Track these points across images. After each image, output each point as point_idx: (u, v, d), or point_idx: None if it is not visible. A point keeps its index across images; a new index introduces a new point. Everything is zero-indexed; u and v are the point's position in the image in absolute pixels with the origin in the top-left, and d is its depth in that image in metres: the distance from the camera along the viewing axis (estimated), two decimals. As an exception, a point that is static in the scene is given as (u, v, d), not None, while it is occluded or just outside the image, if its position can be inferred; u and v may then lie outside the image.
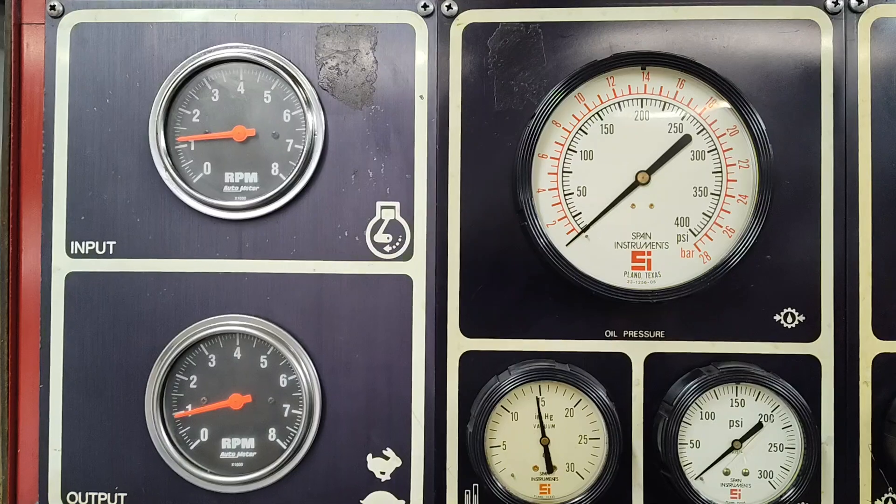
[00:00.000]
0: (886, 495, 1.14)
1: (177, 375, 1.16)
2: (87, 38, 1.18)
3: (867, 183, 1.14)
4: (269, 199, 1.15)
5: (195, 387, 1.16)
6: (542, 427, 1.12)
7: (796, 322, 1.14)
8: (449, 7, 1.16)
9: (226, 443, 1.16)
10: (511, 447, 1.12)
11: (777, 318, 1.14)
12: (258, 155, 1.16)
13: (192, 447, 1.16)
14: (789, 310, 1.14)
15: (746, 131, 1.11)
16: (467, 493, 1.16)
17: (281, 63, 1.15)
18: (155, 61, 1.18)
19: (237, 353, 1.16)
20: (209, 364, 1.16)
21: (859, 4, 1.14)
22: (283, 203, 1.16)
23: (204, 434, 1.16)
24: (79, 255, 1.18)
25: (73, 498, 1.17)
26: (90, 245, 1.18)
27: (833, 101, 1.14)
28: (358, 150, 1.17)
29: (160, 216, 1.17)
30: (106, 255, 1.18)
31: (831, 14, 1.14)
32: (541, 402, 1.12)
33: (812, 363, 1.14)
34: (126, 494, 1.17)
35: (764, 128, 1.09)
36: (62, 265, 1.17)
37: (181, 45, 1.17)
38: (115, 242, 1.18)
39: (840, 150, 1.14)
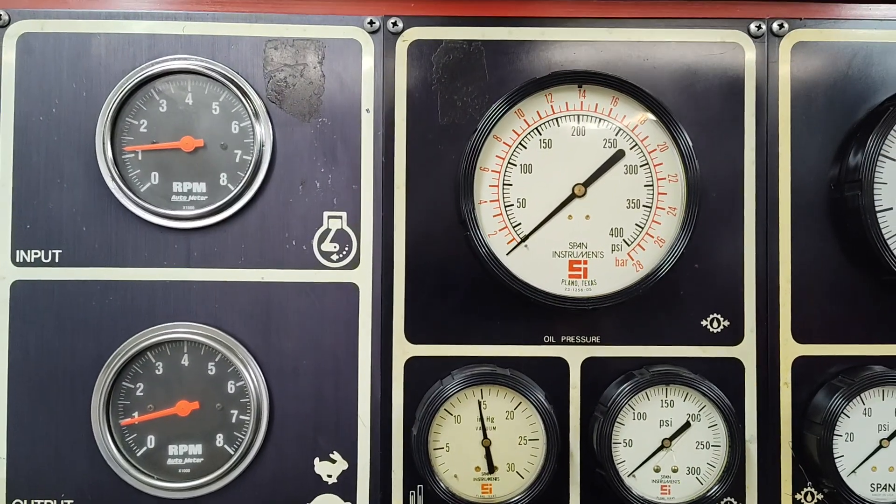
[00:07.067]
0: (806, 489, 1.21)
1: (123, 383, 1.17)
2: (34, 47, 1.19)
3: (787, 195, 1.21)
4: (217, 209, 1.17)
5: (142, 394, 1.17)
6: (484, 429, 1.16)
7: (721, 327, 1.21)
8: (395, 24, 1.20)
9: (173, 449, 1.17)
10: (454, 449, 1.16)
11: (704, 323, 1.21)
12: (206, 165, 1.18)
13: (138, 454, 1.17)
14: (715, 315, 1.21)
15: (675, 147, 1.16)
16: (412, 493, 1.19)
17: (229, 75, 1.17)
18: (102, 71, 1.18)
19: (185, 361, 1.17)
20: (156, 371, 1.17)
21: (780, 29, 1.22)
22: (232, 213, 1.18)
23: (151, 441, 1.17)
24: (24, 264, 1.18)
25: (17, 505, 1.17)
26: (36, 253, 1.18)
27: (755, 119, 1.21)
28: (305, 161, 1.20)
29: (107, 225, 1.18)
30: (52, 264, 1.18)
31: (754, 38, 1.22)
32: (482, 406, 1.16)
33: (736, 366, 1.21)
34: (72, 501, 1.17)
35: (691, 144, 1.15)
36: (7, 273, 1.17)
37: (128, 55, 1.18)
38: (61, 251, 1.18)
39: (762, 164, 1.21)
